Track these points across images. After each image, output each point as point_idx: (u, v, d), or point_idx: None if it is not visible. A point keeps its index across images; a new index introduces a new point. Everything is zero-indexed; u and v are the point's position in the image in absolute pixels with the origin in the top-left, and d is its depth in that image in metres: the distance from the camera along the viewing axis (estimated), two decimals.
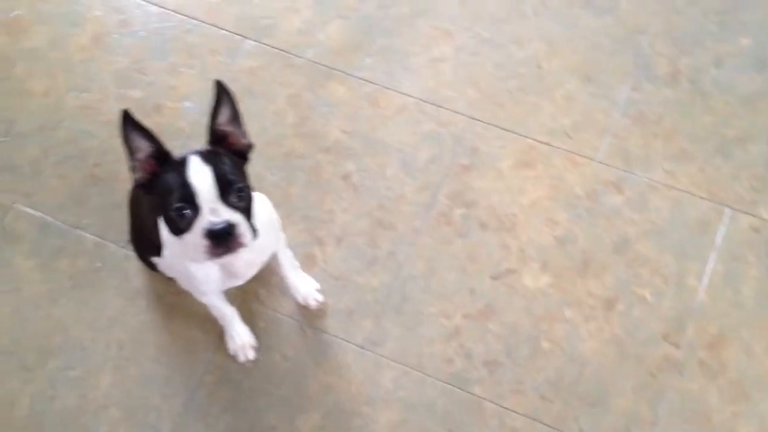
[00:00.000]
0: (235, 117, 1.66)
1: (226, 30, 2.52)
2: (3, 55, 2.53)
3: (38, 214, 2.31)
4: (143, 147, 1.62)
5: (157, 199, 1.64)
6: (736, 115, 2.30)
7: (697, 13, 2.42)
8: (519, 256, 2.19)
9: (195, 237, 1.59)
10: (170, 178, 1.59)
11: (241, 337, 2.10)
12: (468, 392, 2.07)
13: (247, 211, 1.63)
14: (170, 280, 2.18)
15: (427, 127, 2.35)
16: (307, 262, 2.21)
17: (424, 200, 2.27)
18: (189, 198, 1.57)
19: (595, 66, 2.39)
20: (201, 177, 1.57)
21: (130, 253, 2.24)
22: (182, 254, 1.70)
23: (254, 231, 1.64)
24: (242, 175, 1.66)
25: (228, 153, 1.66)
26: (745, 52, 2.38)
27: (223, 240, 1.59)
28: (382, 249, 2.22)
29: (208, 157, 1.61)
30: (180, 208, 1.58)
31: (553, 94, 2.36)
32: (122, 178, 2.32)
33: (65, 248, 2.28)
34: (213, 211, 1.58)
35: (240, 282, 1.89)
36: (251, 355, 2.11)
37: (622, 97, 2.34)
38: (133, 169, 1.64)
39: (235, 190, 1.60)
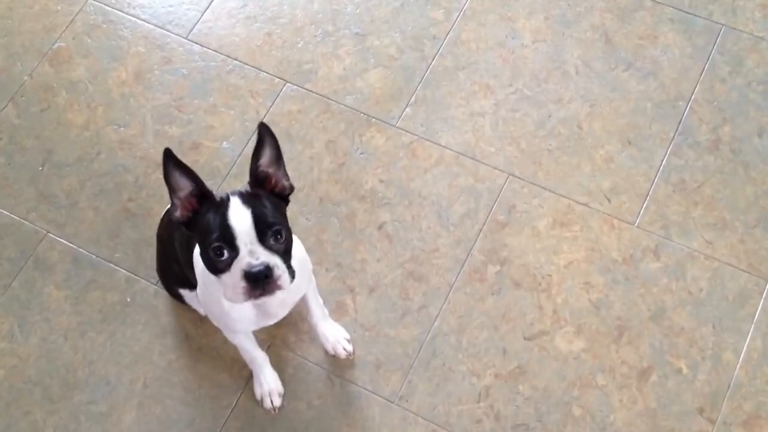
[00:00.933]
0: (278, 159, 1.67)
1: (268, 73, 2.53)
2: (46, 84, 2.54)
3: (71, 245, 2.31)
4: (184, 186, 1.63)
5: (197, 237, 1.65)
6: None
7: (741, 83, 2.41)
8: (553, 318, 2.16)
9: (233, 278, 1.59)
10: (210, 218, 1.60)
11: (269, 383, 2.08)
12: None
13: (285, 253, 1.63)
14: (198, 318, 2.18)
15: (464, 181, 2.34)
16: (339, 311, 2.19)
17: (458, 255, 2.25)
18: (228, 239, 1.58)
19: (636, 129, 2.38)
20: (241, 218, 1.58)
21: (161, 290, 2.23)
22: (218, 292, 1.69)
23: (292, 273, 1.63)
24: (282, 218, 1.66)
25: (268, 195, 1.66)
26: None
27: (260, 282, 1.59)
28: (413, 302, 2.20)
29: (248, 198, 1.61)
30: (219, 248, 1.59)
31: (592, 156, 2.35)
32: (155, 214, 2.32)
33: (96, 281, 2.27)
34: (251, 252, 1.58)
35: (273, 321, 1.89)
36: (278, 402, 2.09)
37: (662, 162, 2.33)
38: (173, 206, 1.64)
39: (274, 232, 1.60)
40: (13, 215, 2.36)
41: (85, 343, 2.20)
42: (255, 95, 2.50)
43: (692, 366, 2.09)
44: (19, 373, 2.18)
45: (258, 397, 2.09)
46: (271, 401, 2.08)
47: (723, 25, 2.50)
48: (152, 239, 2.25)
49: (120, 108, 2.51)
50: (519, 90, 2.46)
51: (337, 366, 2.14)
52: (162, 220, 2.11)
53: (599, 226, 2.26)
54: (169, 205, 1.72)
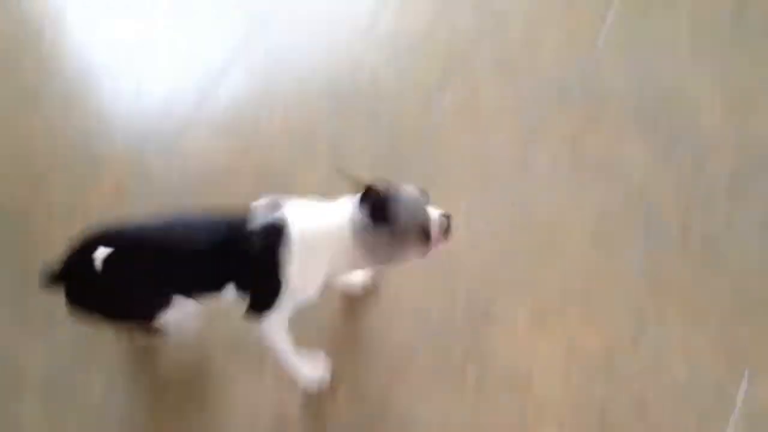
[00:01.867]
0: None
1: (246, 182, 2.57)
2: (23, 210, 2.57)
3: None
4: None
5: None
6: (751, 276, 2.31)
7: (706, 180, 2.47)
8: (534, 416, 2.14)
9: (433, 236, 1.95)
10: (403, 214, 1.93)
11: (314, 368, 2.17)
12: None
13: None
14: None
15: (441, 283, 2.36)
16: (321, 415, 2.16)
17: (437, 356, 2.24)
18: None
19: (607, 229, 2.42)
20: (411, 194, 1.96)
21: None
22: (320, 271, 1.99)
23: None
24: None
25: None
26: (755, 215, 2.41)
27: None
28: (396, 404, 2.18)
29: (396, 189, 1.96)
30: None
31: (566, 257, 2.38)
32: None
33: None
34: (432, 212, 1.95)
35: None
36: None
37: (634, 260, 2.36)
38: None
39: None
40: None
41: None
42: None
43: None
44: None
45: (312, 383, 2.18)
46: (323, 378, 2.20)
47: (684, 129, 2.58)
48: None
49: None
50: (492, 194, 2.51)
51: None
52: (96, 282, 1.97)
53: (576, 324, 2.27)
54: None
